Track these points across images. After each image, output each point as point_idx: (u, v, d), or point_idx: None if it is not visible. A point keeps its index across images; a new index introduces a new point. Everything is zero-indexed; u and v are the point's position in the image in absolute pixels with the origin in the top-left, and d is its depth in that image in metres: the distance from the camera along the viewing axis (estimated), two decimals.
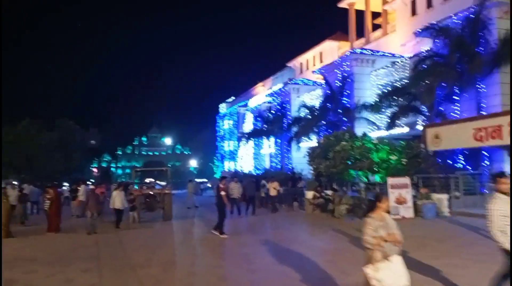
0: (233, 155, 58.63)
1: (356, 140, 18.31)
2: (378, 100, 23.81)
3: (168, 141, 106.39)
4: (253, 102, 50.63)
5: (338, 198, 17.05)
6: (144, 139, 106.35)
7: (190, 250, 10.84)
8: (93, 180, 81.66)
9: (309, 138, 30.66)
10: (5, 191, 14.46)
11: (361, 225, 4.93)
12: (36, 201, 22.25)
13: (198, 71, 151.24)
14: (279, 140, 37.45)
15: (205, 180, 60.31)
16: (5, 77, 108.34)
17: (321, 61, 40.34)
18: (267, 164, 44.22)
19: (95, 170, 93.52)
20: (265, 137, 39.15)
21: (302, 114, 30.67)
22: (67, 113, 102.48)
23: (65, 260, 9.71)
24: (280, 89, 37.75)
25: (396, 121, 22.88)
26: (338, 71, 27.99)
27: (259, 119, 41.59)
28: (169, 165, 70.55)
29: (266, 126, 37.54)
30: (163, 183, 28.63)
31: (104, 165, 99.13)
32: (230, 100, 65.09)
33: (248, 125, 50.65)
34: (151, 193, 18.46)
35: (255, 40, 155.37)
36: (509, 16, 18.85)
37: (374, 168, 16.43)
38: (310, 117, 28.51)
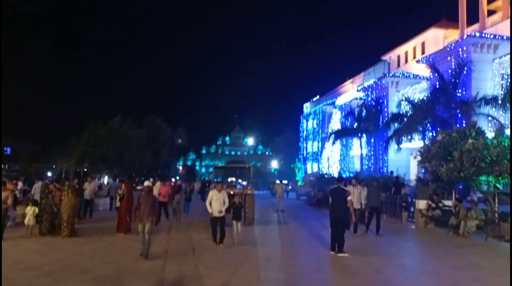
0: (316, 157, 55.46)
1: (486, 137, 14.41)
2: (505, 92, 19.36)
3: (250, 141, 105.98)
4: (341, 100, 47.00)
5: (464, 210, 13.32)
6: (227, 139, 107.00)
7: (281, 273, 8.14)
8: (178, 177, 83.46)
9: (411, 138, 26.58)
10: (72, 184, 12.87)
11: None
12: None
13: (282, 70, 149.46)
14: (372, 140, 33.51)
15: (285, 181, 57.67)
16: (97, 76, 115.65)
17: (423, 53, 35.58)
18: (356, 166, 40.36)
19: (180, 168, 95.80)
20: (355, 137, 35.36)
21: (404, 110, 26.68)
22: (156, 112, 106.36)
23: (122, 277, 7.54)
24: (375, 82, 33.82)
25: None
26: (451, 59, 23.63)
27: (349, 117, 37.94)
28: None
29: (357, 124, 33.81)
30: (245, 183, 26.70)
31: (189, 163, 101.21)
32: (315, 99, 61.80)
33: (335, 124, 47.13)
34: (232, 192, 16.12)
35: (342, 35, 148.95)
36: None
37: None
38: (413, 113, 24.44)
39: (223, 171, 29.36)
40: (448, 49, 23.71)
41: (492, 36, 22.96)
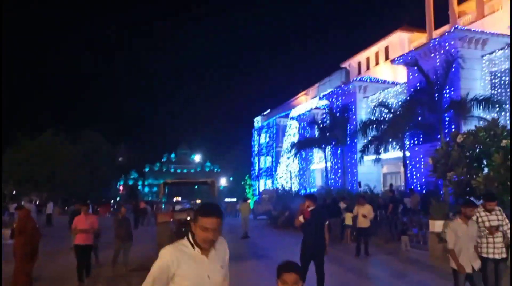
0: (270, 172, 51.95)
1: None
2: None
3: (197, 158, 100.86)
4: (296, 111, 44.00)
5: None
6: (172, 156, 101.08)
7: None
8: (118, 198, 76.34)
9: (386, 148, 23.55)
10: None
11: None
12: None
13: (231, 84, 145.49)
14: (339, 151, 30.28)
15: (233, 200, 53.31)
16: (28, 85, 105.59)
17: (386, 58, 33.35)
18: (317, 181, 37.06)
19: (121, 188, 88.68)
20: (319, 148, 31.90)
21: (376, 117, 23.67)
22: (95, 127, 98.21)
23: None
24: (341, 88, 30.80)
25: None
26: (435, 56, 20.87)
27: (308, 127, 34.68)
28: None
29: (321, 134, 30.46)
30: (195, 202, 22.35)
31: (130, 182, 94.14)
32: (266, 112, 58.64)
33: (290, 137, 43.92)
34: (188, 218, 11.60)
35: (294, 45, 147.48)
36: None
37: None
38: (393, 117, 21.42)
39: (169, 188, 24.41)
40: (431, 44, 20.94)
41: (480, 31, 20.53)
